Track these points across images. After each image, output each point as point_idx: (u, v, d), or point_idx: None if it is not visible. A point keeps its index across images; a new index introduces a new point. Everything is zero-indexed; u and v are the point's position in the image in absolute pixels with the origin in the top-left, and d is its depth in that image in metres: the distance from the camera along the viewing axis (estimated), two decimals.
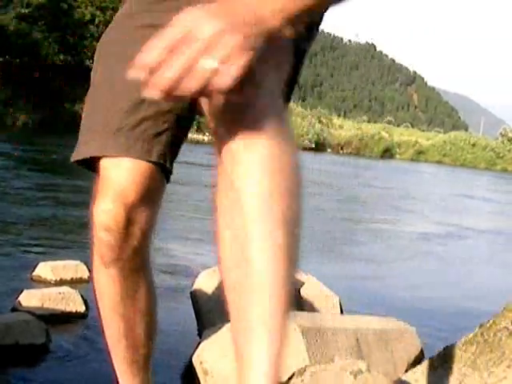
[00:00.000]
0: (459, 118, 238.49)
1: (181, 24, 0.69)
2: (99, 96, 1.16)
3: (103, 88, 1.15)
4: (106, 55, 1.17)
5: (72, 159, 1.16)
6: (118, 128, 1.11)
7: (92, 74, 1.19)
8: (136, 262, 1.19)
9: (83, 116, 1.18)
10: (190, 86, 0.68)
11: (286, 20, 0.75)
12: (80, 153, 1.15)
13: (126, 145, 1.11)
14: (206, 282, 2.76)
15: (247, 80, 0.73)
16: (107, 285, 1.21)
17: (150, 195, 1.15)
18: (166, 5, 1.05)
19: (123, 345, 1.29)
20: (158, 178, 1.16)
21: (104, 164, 1.12)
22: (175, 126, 1.15)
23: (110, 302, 1.23)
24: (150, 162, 1.13)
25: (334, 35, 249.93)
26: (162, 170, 1.17)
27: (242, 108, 0.78)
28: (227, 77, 0.68)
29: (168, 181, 1.22)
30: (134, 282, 1.23)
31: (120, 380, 1.35)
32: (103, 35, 1.21)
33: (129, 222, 1.12)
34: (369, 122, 70.71)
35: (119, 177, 1.11)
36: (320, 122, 39.90)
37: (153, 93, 0.69)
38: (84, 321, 2.93)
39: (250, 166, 0.77)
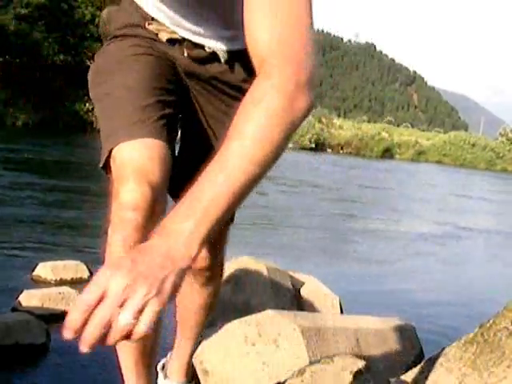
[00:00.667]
0: (459, 117, 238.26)
1: (96, 284, 0.72)
2: (109, 106, 1.22)
3: (108, 99, 1.21)
4: (108, 73, 1.25)
5: (100, 165, 1.19)
6: (132, 122, 1.16)
7: (93, 90, 1.26)
8: None
9: (101, 129, 1.22)
10: (112, 338, 0.71)
11: (200, 246, 0.78)
12: (102, 156, 1.18)
13: (141, 132, 1.15)
14: None
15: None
16: None
17: (165, 177, 1.17)
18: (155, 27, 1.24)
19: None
20: (169, 161, 1.19)
21: (120, 148, 1.15)
22: (173, 127, 1.25)
23: None
24: (163, 141, 1.17)
25: (333, 35, 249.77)
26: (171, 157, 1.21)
27: None
28: (143, 326, 0.71)
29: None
30: None
31: (125, 379, 1.35)
32: (96, 57, 1.30)
33: (154, 199, 1.13)
34: (369, 122, 70.49)
35: (137, 155, 1.13)
36: (320, 121, 39.77)
37: (83, 347, 0.72)
38: None
39: None
